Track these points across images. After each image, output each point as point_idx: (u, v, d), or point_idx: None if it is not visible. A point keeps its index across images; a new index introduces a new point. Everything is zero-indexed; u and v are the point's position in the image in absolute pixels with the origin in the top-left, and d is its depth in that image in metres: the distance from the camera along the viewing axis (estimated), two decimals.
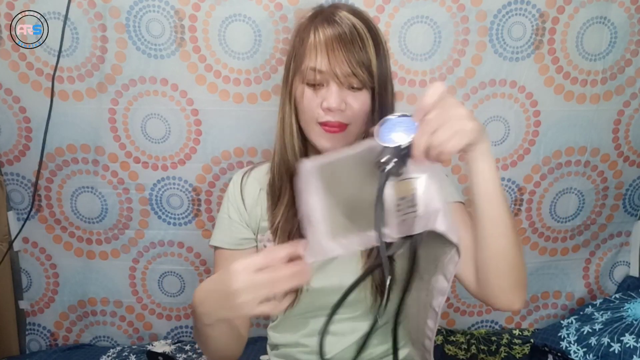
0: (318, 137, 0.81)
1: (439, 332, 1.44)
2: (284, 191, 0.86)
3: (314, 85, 0.79)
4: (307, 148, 0.87)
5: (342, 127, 0.79)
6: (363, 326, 0.86)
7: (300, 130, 0.85)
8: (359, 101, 0.79)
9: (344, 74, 0.76)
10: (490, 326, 1.53)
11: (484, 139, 0.63)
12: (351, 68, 0.76)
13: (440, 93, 0.59)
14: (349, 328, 0.86)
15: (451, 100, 0.59)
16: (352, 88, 0.78)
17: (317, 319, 0.87)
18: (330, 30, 0.77)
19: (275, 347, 0.94)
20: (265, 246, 0.88)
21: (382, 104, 0.80)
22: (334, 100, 0.77)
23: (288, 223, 0.84)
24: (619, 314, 1.18)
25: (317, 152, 0.83)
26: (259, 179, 0.93)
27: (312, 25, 0.80)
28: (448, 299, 1.49)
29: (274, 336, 0.94)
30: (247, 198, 0.91)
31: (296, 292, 0.82)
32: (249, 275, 0.59)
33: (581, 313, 1.28)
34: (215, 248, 0.92)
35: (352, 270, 0.82)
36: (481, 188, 0.66)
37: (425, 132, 0.57)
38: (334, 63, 0.76)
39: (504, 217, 0.68)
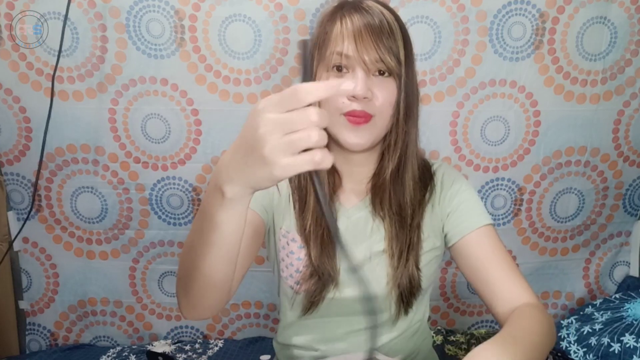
0: (342, 129, 0.76)
1: (438, 332, 1.44)
2: (308, 192, 0.82)
3: (339, 71, 0.75)
4: (329, 146, 0.82)
5: (367, 117, 0.75)
6: (383, 337, 0.84)
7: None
8: (386, 90, 0.75)
9: (371, 60, 0.73)
10: (490, 326, 1.53)
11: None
12: (379, 54, 0.72)
13: None
14: (366, 338, 0.84)
15: None
16: (379, 73, 0.75)
17: (334, 324, 0.85)
18: (358, 18, 0.73)
19: (285, 347, 0.91)
20: (288, 244, 0.83)
21: (408, 94, 0.77)
22: (360, 88, 0.72)
23: (318, 226, 0.80)
24: (619, 314, 1.18)
25: (341, 146, 0.79)
26: None
27: (338, 14, 0.76)
28: (448, 299, 1.49)
29: (286, 335, 0.90)
30: (280, 183, 0.83)
31: (318, 298, 0.80)
32: (277, 114, 0.45)
33: (581, 313, 1.28)
34: None
35: (376, 281, 0.81)
36: None
37: None
38: (362, 49, 0.72)
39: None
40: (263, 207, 0.83)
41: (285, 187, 0.85)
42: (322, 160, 0.45)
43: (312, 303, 0.81)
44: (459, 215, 0.82)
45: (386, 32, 0.73)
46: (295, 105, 0.45)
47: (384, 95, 0.75)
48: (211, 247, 0.58)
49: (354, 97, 0.74)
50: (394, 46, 0.74)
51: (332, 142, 0.81)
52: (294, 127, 0.44)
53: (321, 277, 0.79)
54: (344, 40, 0.73)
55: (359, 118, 0.75)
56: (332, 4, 0.80)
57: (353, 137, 0.76)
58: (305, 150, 0.45)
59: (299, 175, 0.83)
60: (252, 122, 0.46)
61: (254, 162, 0.47)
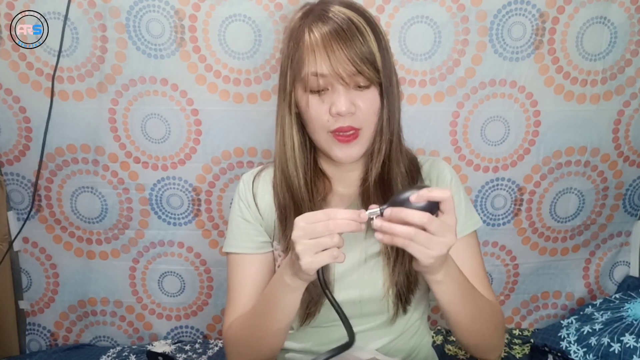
0: (332, 146, 0.76)
1: (439, 332, 1.44)
2: (289, 211, 0.81)
3: (318, 91, 0.73)
4: (316, 159, 0.83)
5: (355, 132, 0.75)
6: (381, 340, 0.85)
7: (306, 143, 0.81)
8: (369, 100, 0.74)
9: (348, 74, 0.70)
10: None
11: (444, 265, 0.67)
12: (355, 66, 0.70)
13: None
14: (366, 340, 0.84)
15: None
16: (359, 87, 0.73)
17: (332, 329, 0.84)
18: (325, 27, 0.70)
19: (283, 351, 0.91)
20: (280, 255, 0.84)
21: (389, 98, 0.76)
22: (342, 105, 0.71)
23: None
24: (619, 314, 1.18)
25: (331, 159, 0.79)
26: (270, 182, 0.87)
27: (304, 25, 0.73)
28: None
29: (285, 343, 0.90)
30: (260, 202, 0.86)
31: (314, 310, 0.80)
32: (306, 224, 0.62)
33: (581, 313, 1.28)
34: (229, 254, 0.87)
35: (372, 283, 0.81)
36: (448, 305, 0.73)
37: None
38: (336, 64, 0.70)
39: (471, 314, 0.75)
40: (258, 242, 0.85)
41: (268, 211, 0.86)
42: (338, 255, 0.63)
43: (308, 314, 0.81)
44: None
45: (358, 40, 0.71)
46: (321, 224, 0.62)
47: (367, 106, 0.74)
48: (272, 322, 0.76)
49: (338, 114, 0.72)
50: (368, 53, 0.71)
51: (321, 151, 0.81)
52: (318, 235, 0.62)
53: (311, 292, 0.78)
54: (315, 57, 0.71)
55: (348, 136, 0.75)
56: (295, 14, 0.78)
57: (344, 153, 0.77)
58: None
59: (276, 190, 0.84)
60: (293, 230, 0.63)
61: (294, 257, 0.64)
